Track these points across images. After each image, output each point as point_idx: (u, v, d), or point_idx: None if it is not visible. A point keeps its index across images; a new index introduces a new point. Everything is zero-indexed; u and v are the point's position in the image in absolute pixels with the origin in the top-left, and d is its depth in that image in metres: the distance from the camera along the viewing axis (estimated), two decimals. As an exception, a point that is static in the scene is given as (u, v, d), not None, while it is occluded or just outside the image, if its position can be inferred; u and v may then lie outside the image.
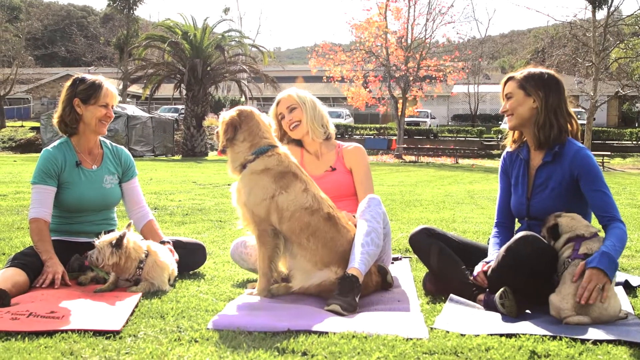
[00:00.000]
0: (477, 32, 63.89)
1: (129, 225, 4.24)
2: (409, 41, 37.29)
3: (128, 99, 45.95)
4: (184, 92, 37.29)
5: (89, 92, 4.48)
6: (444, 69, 37.22)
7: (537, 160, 3.96)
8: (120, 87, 46.13)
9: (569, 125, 3.93)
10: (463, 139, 44.61)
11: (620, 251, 3.55)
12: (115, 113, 19.31)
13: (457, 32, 43.73)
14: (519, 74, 3.97)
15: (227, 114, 4.06)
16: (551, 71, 3.97)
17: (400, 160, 34.71)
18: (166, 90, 42.87)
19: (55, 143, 4.57)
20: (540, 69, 3.99)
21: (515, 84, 3.93)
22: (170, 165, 23.94)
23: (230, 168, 4.04)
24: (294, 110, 4.64)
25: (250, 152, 3.96)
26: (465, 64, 40.13)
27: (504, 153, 4.24)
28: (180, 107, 43.92)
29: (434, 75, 37.16)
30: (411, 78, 36.42)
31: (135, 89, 49.27)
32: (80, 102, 4.48)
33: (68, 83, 4.59)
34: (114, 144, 4.92)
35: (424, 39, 37.49)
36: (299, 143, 4.79)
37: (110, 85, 4.62)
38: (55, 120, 4.58)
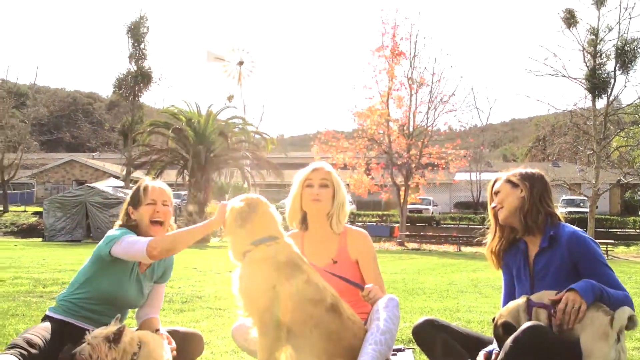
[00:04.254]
0: (478, 120, 64.53)
1: (118, 318, 4.02)
2: (411, 129, 37.63)
3: (131, 185, 45.91)
4: (187, 178, 37.33)
5: (136, 197, 4.46)
6: (446, 156, 37.36)
7: (535, 248, 3.94)
8: (124, 172, 46.34)
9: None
10: (465, 226, 44.37)
11: (609, 294, 3.53)
12: (117, 199, 19.31)
13: (458, 120, 44.56)
14: (504, 174, 4.12)
15: (235, 203, 3.94)
16: (534, 169, 4.10)
17: (403, 248, 34.45)
18: (169, 176, 42.99)
19: (125, 229, 4.38)
20: (522, 169, 4.12)
21: (501, 181, 4.10)
22: (171, 251, 23.67)
23: (232, 255, 3.90)
24: (325, 188, 4.30)
25: (253, 240, 3.81)
26: (467, 152, 40.28)
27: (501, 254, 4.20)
28: (183, 193, 43.94)
29: (436, 163, 37.23)
30: (413, 165, 36.54)
31: (139, 174, 49.42)
32: (132, 210, 4.45)
33: (128, 196, 4.56)
34: None
35: (425, 126, 37.82)
36: (303, 225, 4.43)
37: (156, 182, 4.57)
38: (116, 225, 4.48)
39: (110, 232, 4.26)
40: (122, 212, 4.50)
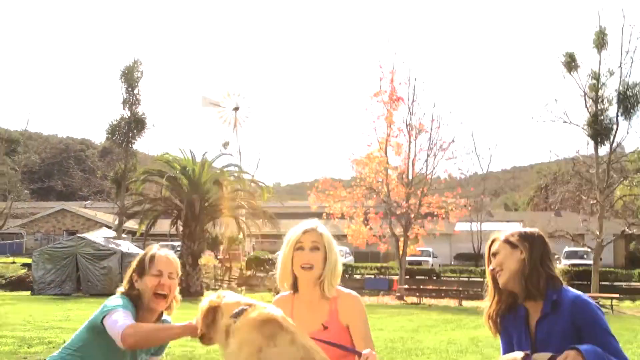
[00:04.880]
0: (478, 168, 64.26)
1: None
2: (410, 177, 37.16)
3: (124, 235, 45.37)
4: (181, 228, 36.87)
5: (141, 265, 4.24)
6: (446, 205, 36.90)
7: (536, 314, 3.75)
8: (116, 222, 45.83)
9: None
10: (467, 279, 43.80)
11: None
12: (109, 250, 18.94)
13: (458, 168, 44.26)
14: (502, 234, 3.95)
15: (205, 301, 3.79)
16: (533, 228, 3.99)
17: (402, 302, 33.71)
18: (163, 226, 42.43)
19: (127, 300, 4.18)
20: (520, 228, 3.98)
21: (499, 242, 3.91)
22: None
23: (219, 343, 3.69)
24: (316, 251, 3.99)
25: (229, 317, 3.61)
26: (467, 201, 39.82)
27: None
28: (176, 243, 43.32)
29: (436, 213, 36.83)
30: (412, 215, 36.03)
31: (131, 224, 48.85)
32: (137, 277, 4.24)
33: (134, 262, 4.34)
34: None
35: (425, 174, 37.40)
36: (294, 286, 4.11)
37: (165, 252, 4.34)
38: (118, 292, 4.27)
39: (108, 301, 4.12)
40: (126, 279, 4.31)
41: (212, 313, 3.71)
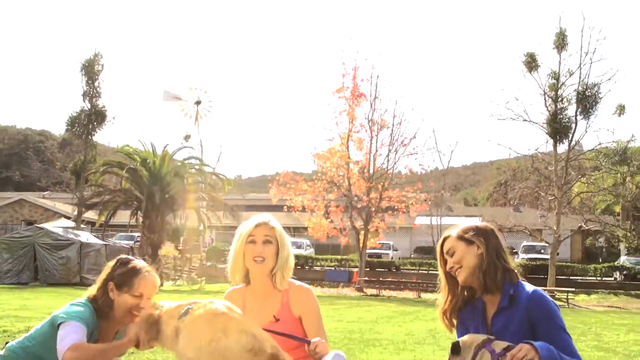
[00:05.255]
0: (439, 164, 64.75)
1: None
2: (371, 171, 37.29)
3: (83, 225, 44.91)
4: (141, 219, 36.66)
5: (124, 278, 4.07)
6: (407, 200, 37.14)
7: (493, 307, 3.74)
8: (75, 213, 45.35)
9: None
10: (426, 272, 44.05)
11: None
12: (67, 240, 18.80)
13: (419, 164, 44.60)
14: (453, 231, 3.86)
15: (144, 314, 3.78)
16: (484, 223, 3.94)
17: (362, 294, 33.91)
18: (123, 216, 42.11)
19: (85, 304, 4.02)
20: (471, 223, 3.90)
21: (453, 239, 3.83)
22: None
23: (170, 349, 3.67)
24: (268, 245, 3.98)
25: (176, 320, 3.60)
26: (427, 196, 40.11)
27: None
28: (136, 234, 43.04)
29: (396, 207, 37.05)
30: (373, 209, 36.22)
31: (91, 215, 48.38)
32: (114, 287, 4.06)
33: (111, 263, 4.20)
34: None
35: (386, 169, 37.59)
36: (245, 280, 4.10)
37: (152, 275, 4.18)
38: (86, 295, 4.10)
39: (71, 306, 3.95)
40: (99, 285, 4.10)
41: (155, 326, 3.70)
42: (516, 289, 3.67)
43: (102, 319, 4.06)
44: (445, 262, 3.87)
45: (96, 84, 45.54)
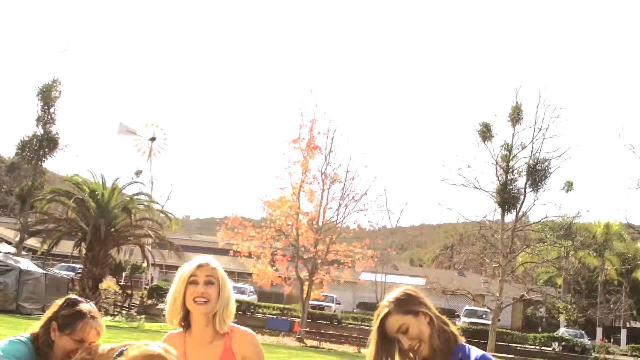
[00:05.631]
0: (388, 222, 64.88)
1: None
2: (320, 224, 37.26)
3: (24, 252, 43.92)
4: (84, 251, 35.96)
5: (67, 320, 3.91)
6: (353, 255, 37.10)
7: None
8: (17, 239, 44.38)
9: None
10: (367, 327, 43.80)
11: None
12: (6, 266, 18.30)
13: (369, 220, 44.69)
14: (391, 306, 3.55)
15: (77, 356, 3.73)
16: (403, 288, 3.66)
17: (302, 344, 33.62)
18: (66, 247, 41.20)
19: (24, 342, 3.87)
20: (393, 293, 3.63)
21: (397, 315, 3.54)
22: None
23: None
24: (210, 285, 3.90)
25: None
26: (374, 252, 40.17)
27: None
28: (78, 266, 42.21)
29: (342, 261, 37.05)
30: (319, 261, 36.09)
31: (33, 242, 47.33)
32: (56, 327, 3.90)
33: (59, 301, 4.03)
34: None
35: (335, 223, 37.60)
36: (184, 323, 4.00)
37: (96, 321, 3.98)
38: (29, 332, 3.93)
39: (11, 343, 3.82)
40: (42, 323, 3.96)
41: None
42: (464, 353, 3.55)
43: (41, 358, 3.93)
44: (384, 343, 3.62)
45: (52, 109, 44.84)
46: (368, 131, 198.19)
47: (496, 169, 35.60)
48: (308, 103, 46.94)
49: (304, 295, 36.72)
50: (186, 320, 3.99)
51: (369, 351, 3.69)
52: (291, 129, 45.62)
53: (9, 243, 49.99)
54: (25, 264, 34.08)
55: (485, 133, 35.59)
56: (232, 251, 36.98)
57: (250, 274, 39.59)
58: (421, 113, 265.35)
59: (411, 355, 3.56)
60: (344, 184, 37.77)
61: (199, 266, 3.94)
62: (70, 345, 3.89)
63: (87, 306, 4.04)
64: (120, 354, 3.43)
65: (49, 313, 3.98)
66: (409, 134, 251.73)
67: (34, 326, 3.98)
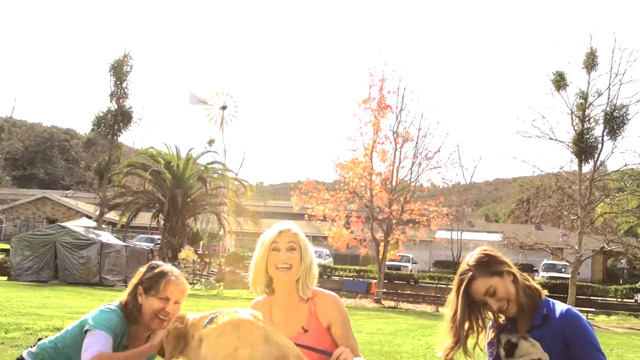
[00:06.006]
0: (462, 178, 64.26)
1: None
2: (394, 184, 37.15)
3: (104, 226, 45.06)
4: (162, 222, 36.73)
5: (151, 282, 4.11)
6: (428, 213, 36.98)
7: (525, 326, 3.62)
8: (97, 213, 45.56)
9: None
10: (445, 286, 43.80)
11: None
12: (88, 240, 18.70)
13: (442, 178, 44.34)
14: (474, 270, 3.56)
15: (171, 327, 3.71)
16: (481, 249, 3.68)
17: (379, 305, 33.69)
18: (144, 218, 42.25)
19: (114, 310, 4.08)
20: (472, 255, 3.65)
21: (482, 278, 3.55)
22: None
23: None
24: (292, 251, 3.88)
25: (203, 325, 3.54)
26: (449, 210, 39.91)
27: (485, 346, 3.78)
28: (157, 237, 43.14)
29: (417, 220, 36.89)
30: (394, 221, 36.03)
31: (112, 215, 48.55)
32: (142, 291, 4.09)
33: (142, 268, 4.26)
34: None
35: (409, 182, 37.42)
36: (268, 289, 4.00)
37: (178, 279, 4.20)
38: (118, 300, 4.16)
39: (101, 313, 4.02)
40: (129, 290, 4.15)
41: (183, 340, 3.65)
42: (548, 307, 3.59)
43: (132, 323, 4.10)
44: (471, 308, 3.65)
45: (124, 84, 45.77)
46: (439, 87, 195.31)
47: (572, 118, 34.80)
48: (377, 62, 46.74)
49: (380, 257, 36.77)
50: (270, 287, 3.98)
51: (448, 314, 3.71)
52: (361, 90, 45.38)
53: (90, 217, 51.36)
54: (106, 237, 34.95)
55: (560, 82, 34.75)
56: (306, 215, 37.23)
57: (325, 237, 39.83)
58: (492, 65, 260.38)
59: (500, 315, 3.63)
60: (417, 142, 37.55)
61: (280, 232, 3.92)
62: (157, 305, 4.03)
63: (168, 267, 4.20)
64: (211, 321, 3.49)
65: (134, 280, 4.13)
66: (481, 87, 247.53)
67: (122, 295, 4.13)
